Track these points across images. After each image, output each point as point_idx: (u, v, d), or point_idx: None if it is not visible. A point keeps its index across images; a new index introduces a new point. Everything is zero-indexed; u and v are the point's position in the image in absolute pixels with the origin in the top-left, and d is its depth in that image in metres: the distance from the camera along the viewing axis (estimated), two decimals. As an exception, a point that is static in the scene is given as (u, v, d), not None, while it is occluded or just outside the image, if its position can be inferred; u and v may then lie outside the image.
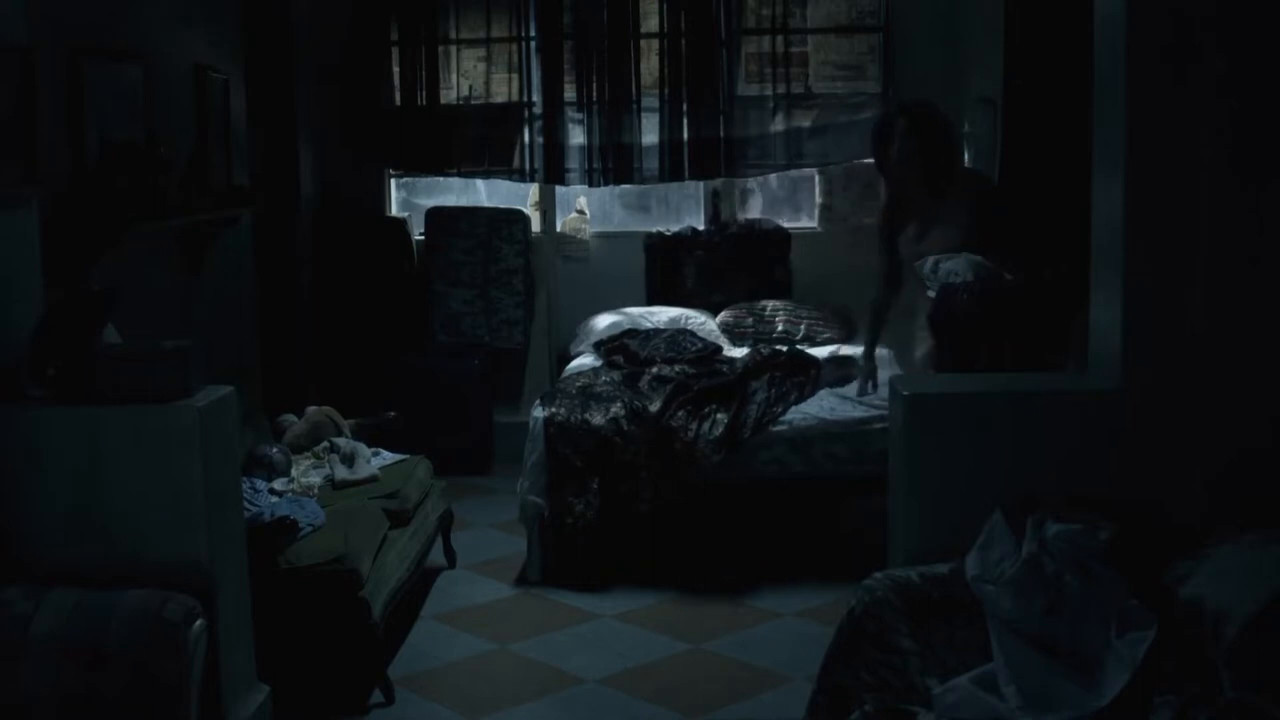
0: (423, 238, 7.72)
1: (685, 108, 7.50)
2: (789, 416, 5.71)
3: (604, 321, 7.23)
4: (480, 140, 7.68)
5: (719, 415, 5.71)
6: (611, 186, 7.74)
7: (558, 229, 7.88)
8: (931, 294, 5.60)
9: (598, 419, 5.70)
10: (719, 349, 6.77)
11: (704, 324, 7.17)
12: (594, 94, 7.52)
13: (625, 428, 5.68)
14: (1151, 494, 3.50)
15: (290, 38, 7.06)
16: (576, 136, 7.59)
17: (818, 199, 7.77)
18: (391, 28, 7.58)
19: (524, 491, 5.69)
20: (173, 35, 5.51)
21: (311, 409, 5.79)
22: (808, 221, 7.84)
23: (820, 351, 6.61)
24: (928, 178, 5.41)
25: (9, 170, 3.64)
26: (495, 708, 4.53)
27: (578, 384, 6.11)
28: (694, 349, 6.62)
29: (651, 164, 7.58)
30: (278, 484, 5.07)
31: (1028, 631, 3.00)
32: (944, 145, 5.46)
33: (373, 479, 5.27)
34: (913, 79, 7.39)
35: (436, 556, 5.69)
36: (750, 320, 7.18)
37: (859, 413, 5.69)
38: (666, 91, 7.51)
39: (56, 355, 3.54)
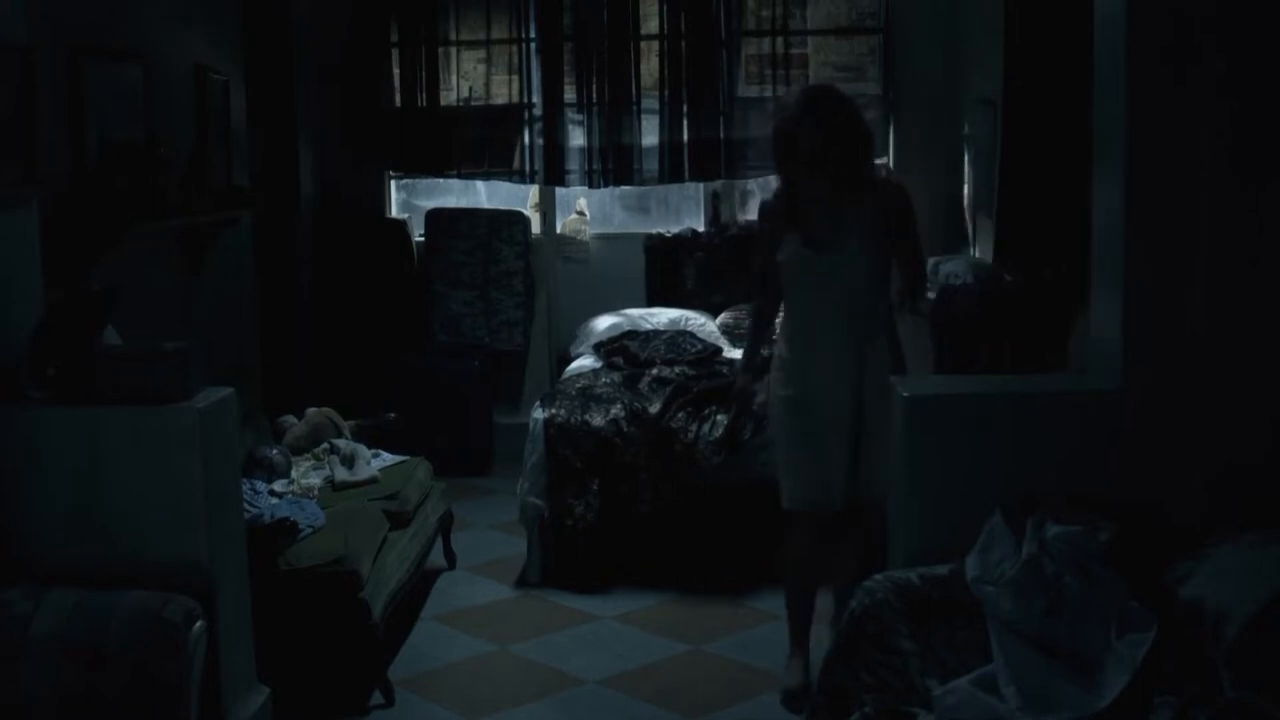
0: (423, 239, 7.72)
1: (685, 109, 7.51)
2: (789, 417, 5.70)
3: (604, 323, 7.23)
4: (480, 141, 7.69)
5: (719, 417, 5.71)
6: (611, 188, 7.74)
7: (558, 230, 7.88)
8: (931, 295, 5.61)
9: (598, 420, 5.70)
10: (719, 350, 6.77)
11: (704, 325, 7.17)
12: (594, 95, 7.52)
13: (625, 429, 5.68)
14: (1151, 494, 3.50)
15: (290, 38, 7.06)
16: (576, 138, 7.60)
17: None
18: (391, 29, 7.58)
19: (524, 493, 5.69)
20: (173, 35, 5.52)
21: (311, 410, 5.79)
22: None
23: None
24: (839, 172, 4.37)
25: (9, 170, 3.64)
26: (495, 709, 4.53)
27: (578, 385, 6.11)
28: (694, 350, 6.61)
29: (651, 165, 7.59)
30: (278, 485, 5.07)
31: (1028, 632, 3.00)
32: (860, 136, 4.42)
33: (373, 480, 5.27)
34: (912, 80, 7.40)
35: (436, 557, 5.69)
36: (750, 321, 7.17)
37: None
38: (666, 93, 7.52)
39: (56, 356, 3.54)
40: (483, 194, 8.06)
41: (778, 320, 4.75)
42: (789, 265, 4.45)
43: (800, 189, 4.43)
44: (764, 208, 4.76)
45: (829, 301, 4.40)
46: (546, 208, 7.89)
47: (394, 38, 7.59)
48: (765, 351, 4.85)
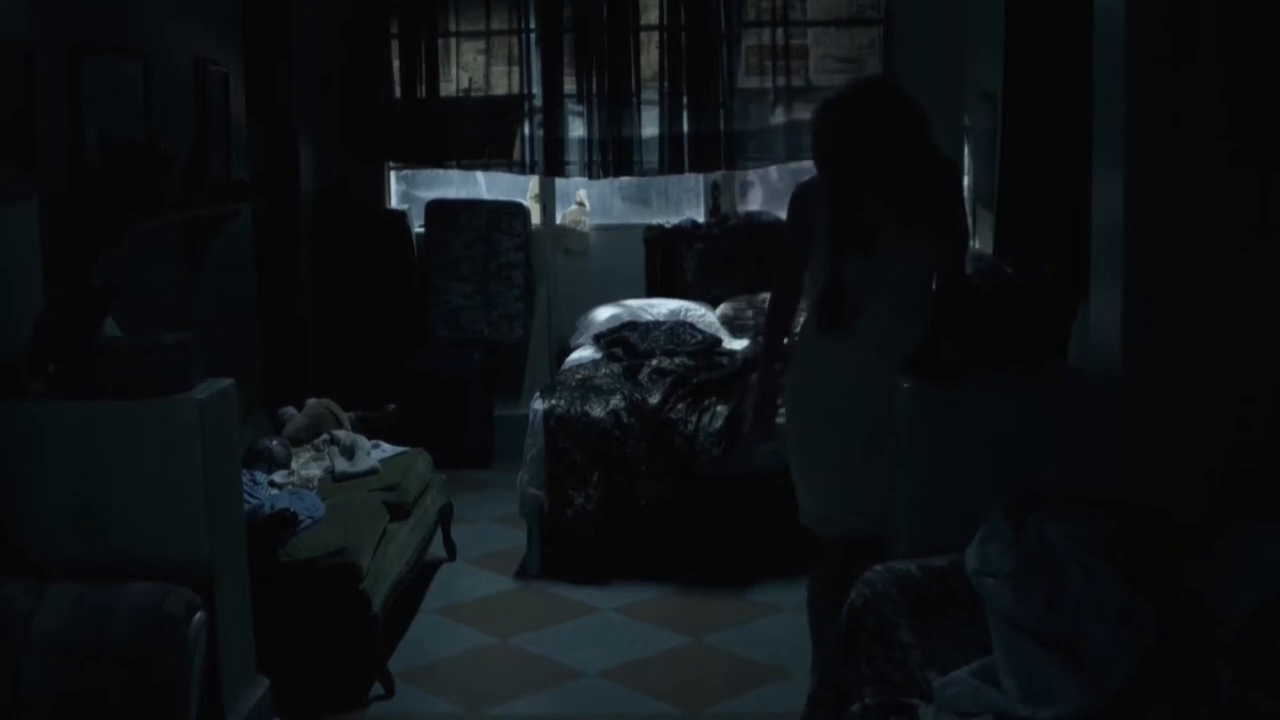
0: (423, 230, 7.72)
1: (685, 101, 7.51)
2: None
3: (604, 314, 7.23)
4: (480, 133, 7.69)
5: (719, 408, 5.72)
6: (611, 179, 7.75)
7: (558, 222, 7.88)
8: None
9: (597, 411, 5.71)
10: (719, 341, 6.77)
11: (704, 316, 7.17)
12: (594, 87, 7.53)
13: (625, 420, 5.69)
14: (1152, 489, 3.50)
15: (290, 30, 7.06)
16: (576, 129, 7.60)
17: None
18: (391, 21, 7.58)
19: (524, 484, 5.70)
20: (172, 29, 5.51)
21: (311, 401, 5.80)
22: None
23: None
24: (887, 172, 3.85)
25: (9, 166, 3.64)
26: (495, 701, 4.54)
27: (577, 376, 6.12)
28: (694, 341, 6.62)
29: (651, 157, 7.60)
30: (277, 476, 5.07)
31: (1027, 626, 3.00)
32: (906, 136, 3.87)
33: (372, 472, 5.28)
34: (913, 72, 7.38)
35: (436, 550, 5.69)
36: (750, 313, 7.18)
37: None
38: (666, 84, 7.52)
39: (57, 351, 3.54)
40: (482, 185, 8.06)
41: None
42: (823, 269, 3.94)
43: (843, 189, 3.88)
44: (800, 193, 4.08)
45: (870, 310, 3.89)
46: (546, 199, 7.88)
47: (394, 30, 7.59)
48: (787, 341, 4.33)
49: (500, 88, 7.71)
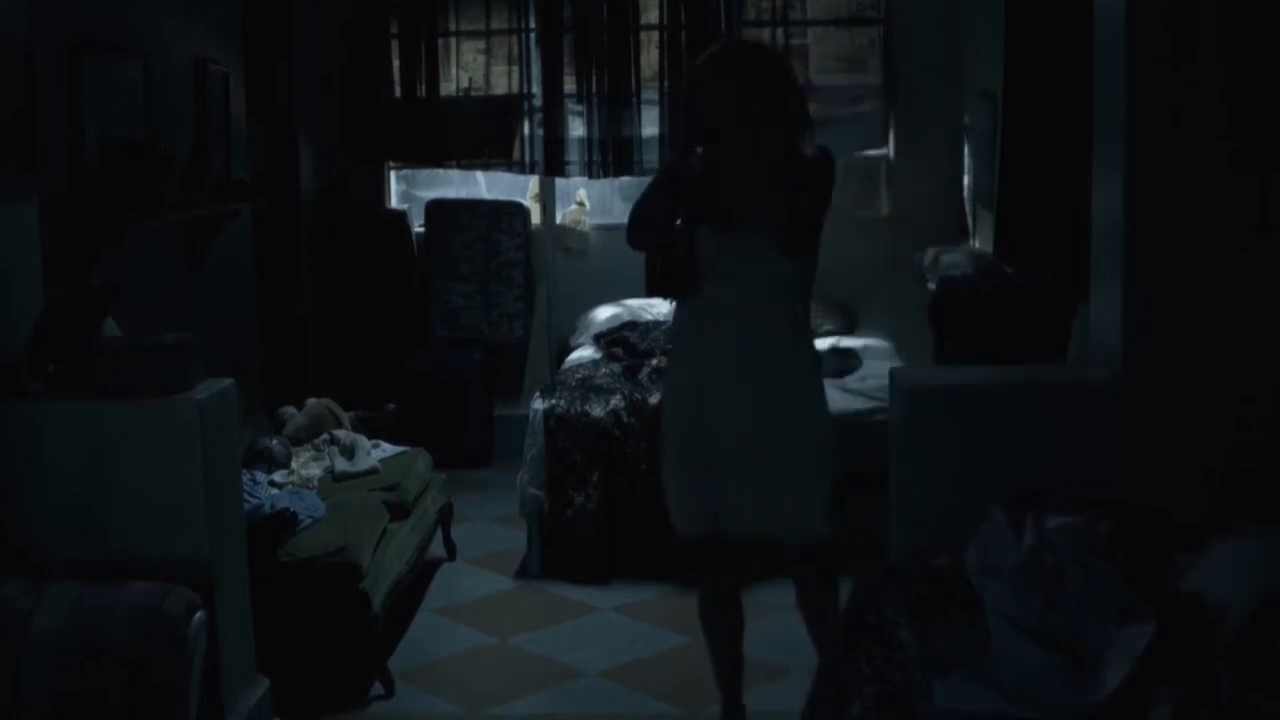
0: (423, 229, 7.72)
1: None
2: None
3: (604, 314, 7.23)
4: (480, 132, 7.69)
5: (719, 408, 5.71)
6: (611, 179, 7.75)
7: (558, 221, 7.88)
8: (931, 287, 5.59)
9: (597, 411, 5.70)
10: (719, 341, 6.76)
11: (704, 316, 7.14)
12: (594, 86, 7.52)
13: (625, 420, 5.68)
14: (1151, 488, 3.50)
15: (290, 31, 7.06)
16: (576, 129, 7.60)
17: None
18: (391, 21, 7.58)
19: (524, 484, 5.70)
20: (172, 29, 5.51)
21: (311, 401, 5.80)
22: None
23: (820, 343, 6.58)
24: (758, 141, 3.60)
25: (9, 166, 3.64)
26: (495, 701, 4.54)
27: (578, 376, 6.12)
28: (694, 342, 6.61)
29: (651, 156, 7.59)
30: (277, 476, 5.07)
31: (1027, 626, 3.00)
32: (785, 99, 3.64)
33: (372, 471, 5.28)
34: (913, 71, 7.40)
35: (436, 549, 5.69)
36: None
37: (859, 404, 5.68)
38: (666, 84, 7.52)
39: (57, 351, 3.54)
40: (482, 185, 8.07)
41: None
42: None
43: (709, 160, 3.65)
44: (673, 168, 3.82)
45: (730, 298, 3.65)
46: (546, 199, 7.88)
47: (394, 29, 7.59)
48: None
49: (500, 87, 7.71)
